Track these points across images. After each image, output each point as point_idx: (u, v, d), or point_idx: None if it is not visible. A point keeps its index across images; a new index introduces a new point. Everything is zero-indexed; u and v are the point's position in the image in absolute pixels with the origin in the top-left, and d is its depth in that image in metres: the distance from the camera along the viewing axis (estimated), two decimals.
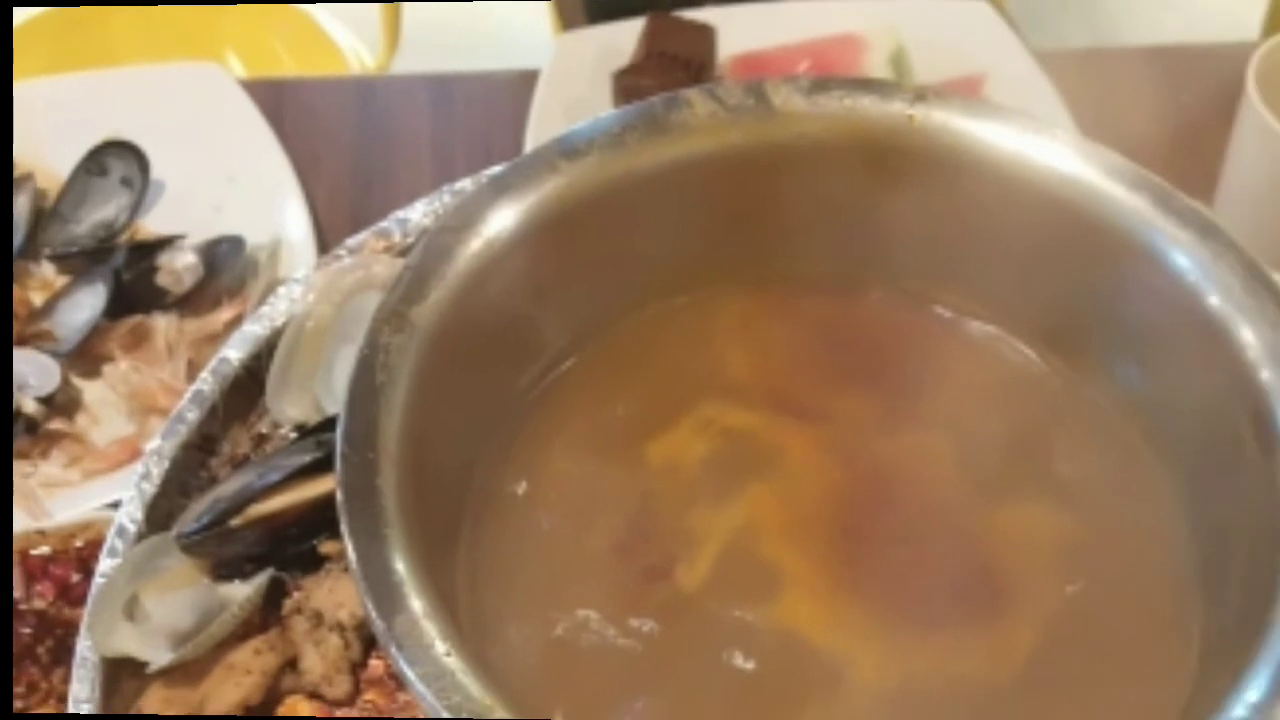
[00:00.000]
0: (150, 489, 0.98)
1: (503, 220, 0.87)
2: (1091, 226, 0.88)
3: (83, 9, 2.19)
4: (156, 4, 2.15)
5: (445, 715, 0.70)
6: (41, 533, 1.22)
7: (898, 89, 0.92)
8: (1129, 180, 0.88)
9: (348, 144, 1.59)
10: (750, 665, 0.82)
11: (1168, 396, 0.89)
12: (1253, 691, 0.71)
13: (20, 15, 2.17)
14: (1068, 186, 0.89)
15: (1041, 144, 0.90)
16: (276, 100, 1.58)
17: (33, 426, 1.33)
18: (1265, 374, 0.82)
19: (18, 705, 1.15)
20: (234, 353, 1.04)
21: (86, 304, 1.39)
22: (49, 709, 1.14)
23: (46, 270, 1.47)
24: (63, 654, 1.16)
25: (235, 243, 1.43)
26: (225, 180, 1.50)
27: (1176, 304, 0.86)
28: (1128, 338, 0.91)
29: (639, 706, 0.81)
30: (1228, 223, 0.87)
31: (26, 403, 1.33)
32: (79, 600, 1.17)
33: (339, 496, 0.76)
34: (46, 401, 1.34)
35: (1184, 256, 0.86)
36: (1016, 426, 0.93)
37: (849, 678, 0.82)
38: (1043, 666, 0.82)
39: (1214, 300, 0.84)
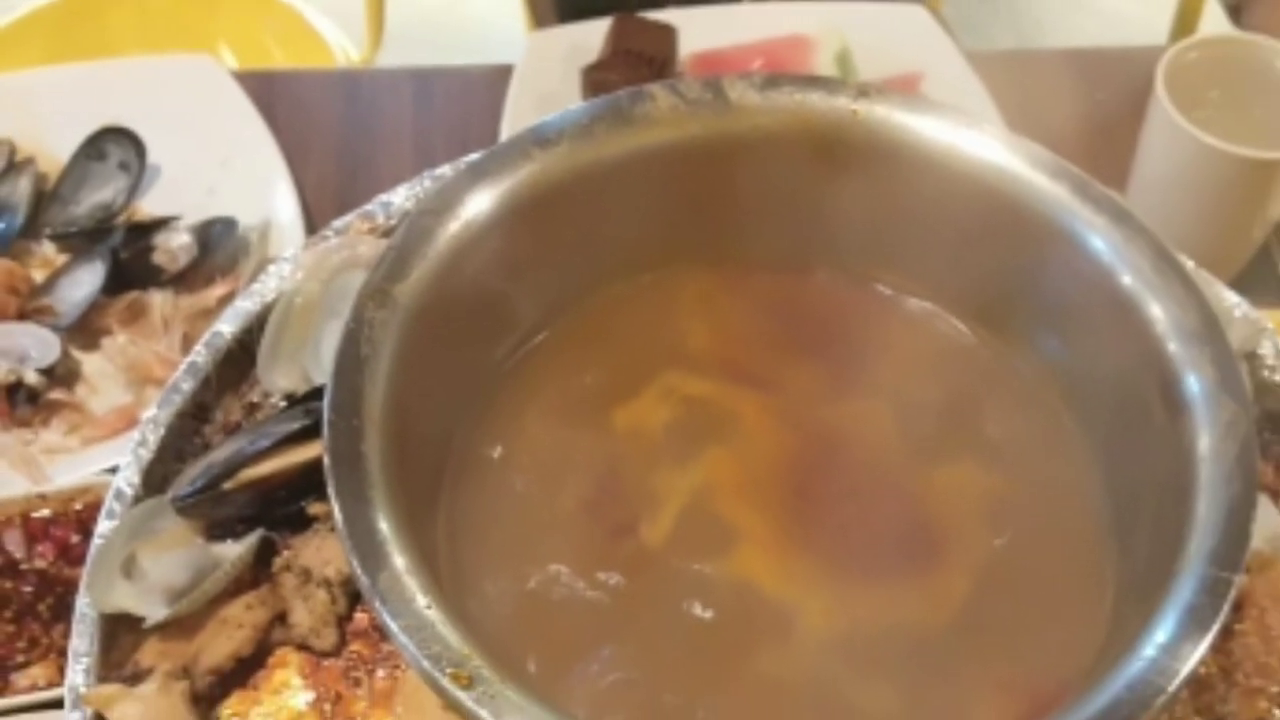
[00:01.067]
0: (147, 455, 0.97)
1: (480, 204, 0.87)
2: (1017, 212, 0.89)
3: (82, 2, 2.16)
4: None
5: (426, 664, 0.70)
6: (42, 496, 1.21)
7: (843, 86, 0.93)
8: (1050, 170, 0.89)
9: (334, 132, 1.57)
10: (709, 614, 0.83)
11: (1085, 366, 0.90)
12: (1161, 633, 0.72)
13: (21, 7, 2.15)
14: (995, 175, 0.90)
15: (972, 137, 0.91)
16: (267, 91, 1.57)
17: (34, 396, 1.32)
18: (1172, 346, 0.83)
19: (19, 660, 1.14)
20: (227, 327, 1.03)
21: (85, 281, 1.38)
22: (49, 663, 1.13)
23: (47, 249, 1.45)
24: (63, 611, 1.16)
25: (228, 224, 1.42)
26: (218, 165, 1.49)
27: (1093, 282, 0.87)
28: (1049, 313, 0.92)
29: (606, 653, 0.81)
30: (1139, 209, 0.88)
31: (28, 374, 1.32)
32: (78, 560, 1.16)
33: (326, 461, 0.76)
34: (47, 373, 1.33)
35: (1099, 239, 0.87)
36: (950, 394, 0.94)
37: (799, 624, 0.83)
38: (974, 611, 0.84)
39: (1126, 279, 0.85)
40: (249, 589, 0.93)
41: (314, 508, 0.94)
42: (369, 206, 1.09)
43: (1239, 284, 1.08)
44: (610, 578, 0.84)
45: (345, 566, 0.90)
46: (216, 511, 0.94)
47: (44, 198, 1.47)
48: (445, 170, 1.07)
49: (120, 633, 0.91)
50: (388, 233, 1.06)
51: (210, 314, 1.35)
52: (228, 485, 0.93)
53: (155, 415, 0.99)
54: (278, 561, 0.93)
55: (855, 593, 0.84)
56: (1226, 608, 0.72)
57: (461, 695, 0.69)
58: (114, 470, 0.99)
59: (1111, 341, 0.86)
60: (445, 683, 0.70)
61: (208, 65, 1.58)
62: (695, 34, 1.54)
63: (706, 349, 0.95)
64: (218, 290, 1.39)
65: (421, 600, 0.72)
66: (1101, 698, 0.70)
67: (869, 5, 1.61)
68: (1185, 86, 1.30)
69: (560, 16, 1.84)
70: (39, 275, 1.42)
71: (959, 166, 0.90)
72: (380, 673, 0.90)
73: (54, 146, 1.50)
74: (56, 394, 1.34)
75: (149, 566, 0.92)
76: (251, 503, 0.94)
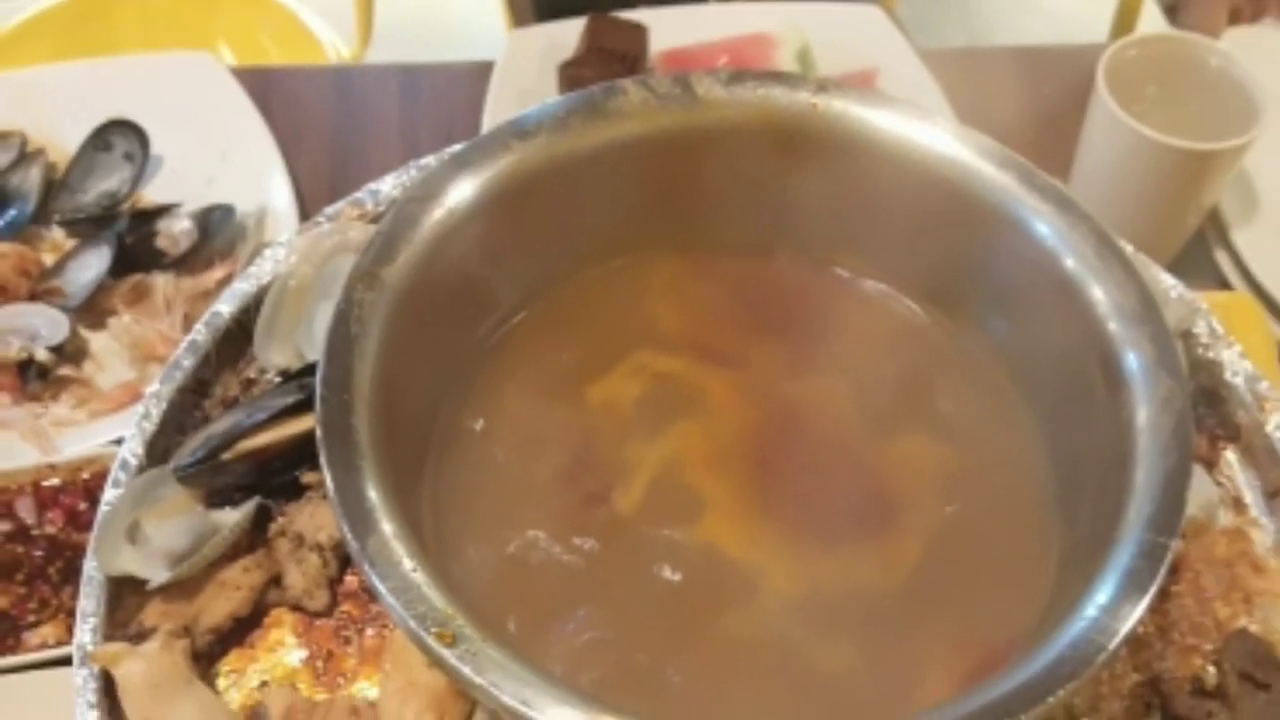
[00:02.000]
0: (150, 427, 0.96)
1: (462, 192, 0.87)
2: (967, 200, 0.89)
3: (88, 2, 2.14)
4: None
5: (412, 624, 0.70)
6: (52, 466, 1.20)
7: (803, 81, 0.92)
8: (998, 160, 0.89)
9: (326, 124, 1.56)
10: (678, 577, 0.83)
11: (1031, 345, 0.90)
12: (1102, 595, 0.72)
13: (31, 8, 2.13)
14: (947, 165, 0.89)
15: (925, 129, 0.91)
16: (263, 86, 1.55)
17: (44, 372, 1.31)
18: (1113, 325, 0.83)
19: (30, 619, 1.13)
20: (225, 307, 1.02)
21: (93, 264, 1.36)
22: (59, 623, 1.12)
23: (57, 234, 1.44)
24: (71, 574, 1.15)
25: (226, 211, 1.40)
26: (218, 156, 1.47)
27: (1038, 266, 0.87)
28: (998, 294, 0.91)
29: (581, 614, 0.81)
30: (1081, 197, 0.88)
31: (39, 351, 1.30)
32: (86, 526, 1.15)
33: (318, 433, 0.76)
34: (57, 350, 1.32)
35: (1044, 225, 0.87)
36: (904, 371, 0.93)
37: (763, 586, 0.82)
38: (926, 575, 0.83)
39: (1069, 263, 0.85)
40: (246, 553, 0.93)
41: (307, 477, 0.94)
42: (359, 194, 1.08)
43: (1175, 267, 1.09)
44: (585, 543, 0.84)
45: (336, 532, 0.90)
46: (215, 480, 0.93)
47: (54, 186, 1.45)
48: (430, 160, 1.06)
49: (125, 594, 0.91)
50: (376, 219, 1.05)
51: (210, 295, 1.34)
52: (226, 456, 0.92)
53: (158, 390, 0.99)
54: (273, 527, 0.93)
55: (815, 557, 0.84)
56: (1163, 571, 0.72)
57: (445, 653, 0.69)
58: (119, 442, 0.98)
59: (1056, 321, 0.86)
60: (430, 641, 0.69)
61: (207, 62, 1.56)
62: (665, 32, 1.53)
63: (675, 329, 0.94)
64: (217, 273, 1.37)
65: (408, 564, 0.72)
66: (1047, 655, 0.70)
67: (828, 5, 1.60)
68: (1125, 82, 1.29)
69: (538, 16, 1.83)
70: (49, 259, 1.40)
71: (913, 157, 0.90)
72: (369, 632, 0.91)
73: (63, 138, 1.48)
74: (65, 370, 1.32)
75: (152, 532, 0.92)
76: (248, 472, 0.93)
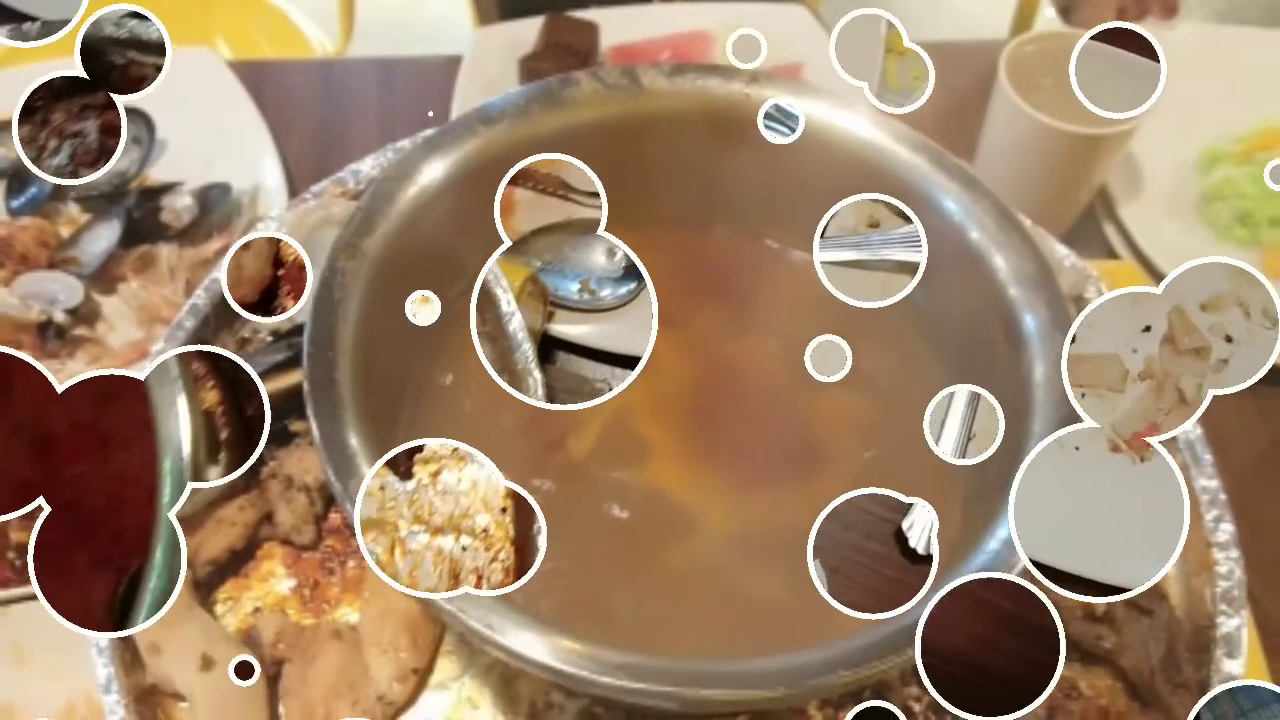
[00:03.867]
0: None
1: (434, 172, 0.85)
2: (883, 179, 0.88)
3: (98, 3, 2.10)
4: None
5: None
6: None
7: (737, 73, 0.91)
8: (911, 144, 0.88)
9: (313, 112, 1.54)
10: (625, 515, 0.82)
11: (940, 308, 0.89)
12: (1002, 531, 0.72)
13: None
14: (865, 148, 0.89)
15: (845, 116, 0.90)
16: (256, 78, 1.52)
17: (61, 333, 1.29)
18: (1013, 291, 0.82)
19: None
20: (223, 275, 1.00)
21: (105, 236, 1.35)
22: None
23: (73, 209, 1.42)
24: None
25: (224, 188, 1.39)
26: (216, 140, 1.45)
27: (946, 238, 0.86)
28: None
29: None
30: (985, 177, 0.88)
31: (56, 314, 1.29)
32: None
33: (305, 386, 0.76)
34: (73, 313, 1.30)
35: (952, 202, 0.86)
36: (828, 332, 0.92)
37: (701, 524, 0.82)
38: None
39: (975, 235, 0.85)
40: (241, 494, 0.92)
41: (295, 425, 0.94)
42: (341, 174, 1.07)
43: (1068, 239, 1.09)
44: (543, 484, 0.83)
45: (322, 475, 0.89)
46: None
47: None
48: (405, 144, 1.04)
49: None
50: (357, 196, 1.04)
51: (209, 264, 1.32)
52: None
53: (163, 349, 0.98)
54: (265, 470, 0.93)
55: (748, 498, 0.83)
56: None
57: None
58: None
59: (962, 287, 0.85)
60: None
61: (207, 56, 1.54)
62: (614, 30, 1.51)
63: None
64: (215, 244, 1.36)
65: None
66: (953, 585, 0.69)
67: (759, 5, 1.59)
68: (1023, 74, 1.29)
69: (501, 14, 1.82)
70: (65, 231, 1.38)
71: (835, 141, 0.89)
72: (351, 564, 0.90)
73: None
74: (80, 331, 1.31)
75: None
76: None
